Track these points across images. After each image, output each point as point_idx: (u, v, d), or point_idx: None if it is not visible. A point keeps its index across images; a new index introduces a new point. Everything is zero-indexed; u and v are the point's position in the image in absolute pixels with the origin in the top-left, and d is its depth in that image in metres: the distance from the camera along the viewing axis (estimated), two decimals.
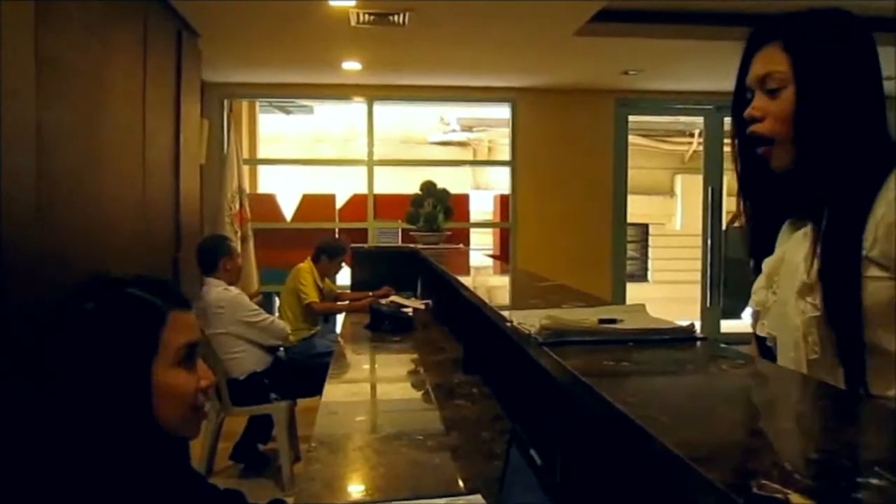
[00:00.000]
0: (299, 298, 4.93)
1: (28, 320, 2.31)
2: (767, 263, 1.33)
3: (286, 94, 7.39)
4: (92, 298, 1.10)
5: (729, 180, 7.58)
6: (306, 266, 5.05)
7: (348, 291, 5.42)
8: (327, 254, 5.12)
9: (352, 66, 5.83)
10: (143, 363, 1.08)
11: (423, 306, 4.32)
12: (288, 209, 7.06)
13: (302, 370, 4.37)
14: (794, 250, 1.28)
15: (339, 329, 4.69)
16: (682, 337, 1.31)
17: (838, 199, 1.19)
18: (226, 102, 6.60)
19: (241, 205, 6.15)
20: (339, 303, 5.14)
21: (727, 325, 6.98)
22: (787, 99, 1.20)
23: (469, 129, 12.59)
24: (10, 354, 2.20)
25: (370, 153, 6.90)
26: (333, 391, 2.50)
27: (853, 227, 1.16)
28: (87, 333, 1.07)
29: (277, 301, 5.46)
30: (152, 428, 1.08)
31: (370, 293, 4.86)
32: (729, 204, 7.65)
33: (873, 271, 1.14)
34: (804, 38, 1.21)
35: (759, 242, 1.36)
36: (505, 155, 7.35)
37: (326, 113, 11.40)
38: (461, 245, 5.85)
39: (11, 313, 2.33)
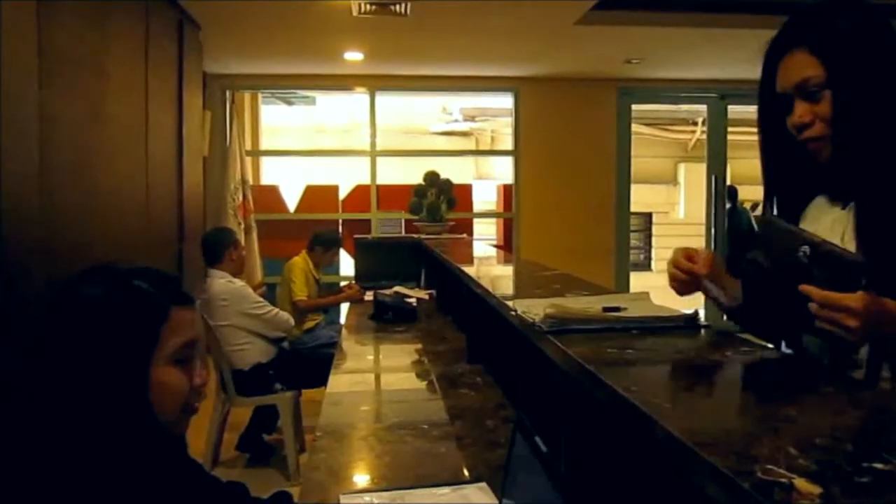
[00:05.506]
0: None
1: (30, 313, 2.32)
2: None
3: (288, 85, 7.38)
4: (97, 286, 1.10)
5: (732, 168, 7.57)
6: (300, 260, 5.05)
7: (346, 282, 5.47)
8: (322, 244, 5.13)
9: (354, 56, 5.82)
10: (141, 357, 1.07)
11: (426, 296, 4.32)
12: (291, 200, 7.06)
13: (306, 361, 4.39)
14: (824, 234, 1.29)
15: (342, 320, 4.71)
16: (685, 325, 1.31)
17: (881, 186, 1.20)
18: (228, 93, 6.59)
19: (244, 196, 6.15)
20: (323, 299, 5.15)
21: None
22: (828, 100, 1.22)
23: (472, 118, 12.58)
24: (13, 347, 2.21)
25: (373, 144, 6.88)
26: (338, 381, 2.50)
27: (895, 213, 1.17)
28: (89, 321, 1.06)
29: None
30: (149, 421, 1.08)
31: (359, 286, 4.93)
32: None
33: None
34: (830, 40, 1.22)
35: None
36: (508, 144, 7.33)
37: (329, 104, 11.40)
38: (464, 235, 5.85)
39: (14, 306, 2.33)
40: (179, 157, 4.36)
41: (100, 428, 1.04)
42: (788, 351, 1.32)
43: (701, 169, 7.57)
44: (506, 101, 7.16)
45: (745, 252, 1.22)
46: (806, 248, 1.09)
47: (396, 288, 4.46)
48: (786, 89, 1.26)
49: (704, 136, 7.62)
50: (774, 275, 1.14)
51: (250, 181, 6.42)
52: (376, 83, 6.74)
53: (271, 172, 8.59)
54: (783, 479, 0.59)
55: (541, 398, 1.61)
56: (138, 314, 1.09)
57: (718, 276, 1.36)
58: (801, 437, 0.70)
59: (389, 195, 6.85)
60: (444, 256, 3.49)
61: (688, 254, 1.36)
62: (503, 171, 8.25)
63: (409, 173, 6.41)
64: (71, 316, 1.07)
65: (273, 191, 7.20)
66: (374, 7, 4.37)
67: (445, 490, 1.46)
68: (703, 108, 7.56)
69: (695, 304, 1.55)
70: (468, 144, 12.77)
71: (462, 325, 3.26)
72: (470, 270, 2.70)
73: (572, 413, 1.35)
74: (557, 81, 6.76)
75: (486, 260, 3.72)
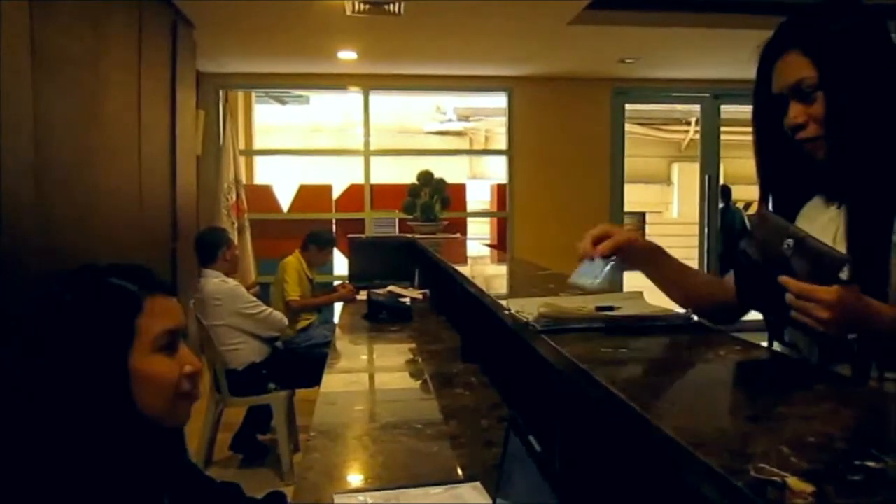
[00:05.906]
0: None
1: (25, 313, 2.30)
2: None
3: (282, 85, 7.36)
4: (70, 288, 1.10)
5: (726, 168, 7.58)
6: (293, 260, 5.05)
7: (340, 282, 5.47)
8: (316, 243, 5.13)
9: (348, 55, 5.81)
10: (118, 351, 1.07)
11: (420, 296, 4.32)
12: (284, 200, 7.05)
13: (300, 360, 4.38)
14: (817, 234, 1.30)
15: (336, 319, 4.70)
16: (679, 323, 1.31)
17: (873, 188, 1.20)
18: (221, 93, 6.58)
19: (238, 196, 6.14)
20: (316, 298, 5.14)
21: None
22: (822, 101, 1.22)
23: (466, 118, 12.57)
24: (7, 347, 2.20)
25: (366, 143, 6.88)
26: (332, 381, 2.50)
27: (886, 214, 1.17)
28: (64, 324, 1.07)
29: None
30: (134, 417, 1.07)
31: (351, 285, 4.93)
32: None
33: None
34: (823, 42, 1.22)
35: None
36: (502, 144, 7.33)
37: (322, 103, 11.36)
38: (458, 234, 5.85)
39: (8, 306, 2.32)
40: (173, 156, 4.35)
41: (85, 428, 1.03)
42: (779, 348, 1.32)
43: (694, 168, 7.59)
44: (500, 100, 7.16)
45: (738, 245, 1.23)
46: (790, 241, 1.10)
47: (390, 287, 4.46)
48: (781, 90, 1.26)
49: (698, 136, 7.63)
50: (761, 266, 1.16)
51: (244, 181, 6.41)
52: (370, 82, 6.74)
53: (265, 172, 8.57)
54: (776, 478, 0.59)
55: (535, 397, 1.61)
56: (110, 309, 1.08)
57: (647, 262, 1.41)
58: (794, 436, 0.71)
59: (383, 195, 6.84)
60: (438, 256, 3.49)
61: (604, 232, 1.35)
62: (497, 170, 8.25)
63: (402, 173, 6.41)
64: (48, 323, 1.08)
65: (266, 190, 7.19)
66: (367, 6, 4.37)
67: (439, 489, 1.46)
68: (696, 107, 7.58)
69: None
70: (462, 144, 12.77)
71: (456, 325, 3.26)
72: (464, 270, 2.69)
73: (566, 412, 1.35)
74: (551, 81, 6.76)
75: (480, 259, 3.72)
